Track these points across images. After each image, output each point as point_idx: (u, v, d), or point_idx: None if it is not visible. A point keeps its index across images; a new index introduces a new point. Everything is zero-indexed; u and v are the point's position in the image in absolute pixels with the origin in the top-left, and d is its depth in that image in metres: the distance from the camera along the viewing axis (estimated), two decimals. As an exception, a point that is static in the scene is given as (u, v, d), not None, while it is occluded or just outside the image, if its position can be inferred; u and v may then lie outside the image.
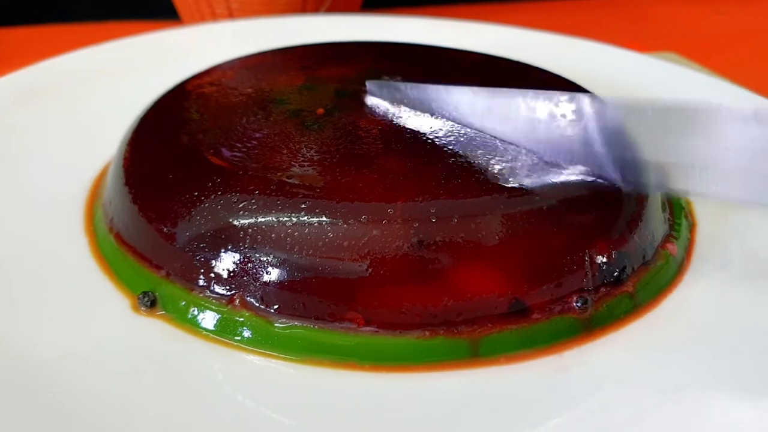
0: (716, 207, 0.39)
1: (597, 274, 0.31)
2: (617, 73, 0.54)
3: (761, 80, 0.62)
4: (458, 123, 0.35)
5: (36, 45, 0.69)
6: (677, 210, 0.38)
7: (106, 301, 0.31)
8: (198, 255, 0.31)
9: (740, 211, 0.39)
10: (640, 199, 0.34)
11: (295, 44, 0.47)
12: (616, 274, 0.32)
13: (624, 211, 0.33)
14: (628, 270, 0.32)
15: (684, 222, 0.38)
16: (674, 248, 0.35)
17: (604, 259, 0.31)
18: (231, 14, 0.69)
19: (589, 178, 0.32)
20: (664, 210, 0.37)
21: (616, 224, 0.32)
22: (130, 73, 0.51)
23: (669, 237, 0.36)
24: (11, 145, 0.42)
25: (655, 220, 0.35)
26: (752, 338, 0.30)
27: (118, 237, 0.34)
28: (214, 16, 0.70)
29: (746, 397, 0.27)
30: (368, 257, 0.29)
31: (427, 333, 0.29)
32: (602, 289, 0.31)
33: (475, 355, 0.29)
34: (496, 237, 0.30)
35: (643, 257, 0.33)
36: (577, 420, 0.27)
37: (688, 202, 0.40)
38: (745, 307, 0.32)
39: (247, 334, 0.30)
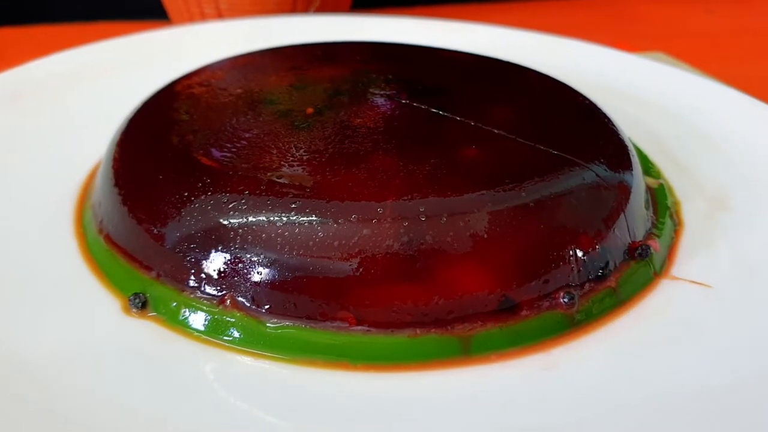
0: (705, 209, 0.39)
1: (582, 269, 0.31)
2: (606, 72, 0.54)
3: (750, 80, 0.63)
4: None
5: (23, 46, 0.69)
6: (662, 209, 0.39)
7: (96, 303, 0.31)
8: (188, 256, 0.31)
9: (730, 213, 0.39)
10: (622, 195, 0.34)
11: (284, 44, 0.47)
12: (599, 269, 0.32)
13: (606, 207, 0.33)
14: (611, 265, 0.32)
15: (668, 221, 0.38)
16: (656, 245, 0.35)
17: (589, 255, 0.32)
18: (220, 14, 0.69)
19: (573, 175, 0.32)
20: (647, 208, 0.37)
21: (599, 219, 0.33)
22: (119, 73, 0.51)
23: (651, 234, 0.36)
24: (-1, 147, 0.42)
25: (638, 217, 0.35)
26: (735, 336, 0.30)
27: (108, 239, 0.34)
28: (203, 17, 0.69)
29: (730, 393, 0.28)
30: (359, 256, 0.29)
31: (418, 331, 0.29)
32: (587, 285, 0.32)
33: (467, 353, 0.29)
34: (485, 234, 0.30)
35: (625, 253, 0.33)
36: (566, 418, 0.27)
37: (676, 203, 0.40)
38: (729, 306, 0.32)
39: (238, 334, 0.29)
